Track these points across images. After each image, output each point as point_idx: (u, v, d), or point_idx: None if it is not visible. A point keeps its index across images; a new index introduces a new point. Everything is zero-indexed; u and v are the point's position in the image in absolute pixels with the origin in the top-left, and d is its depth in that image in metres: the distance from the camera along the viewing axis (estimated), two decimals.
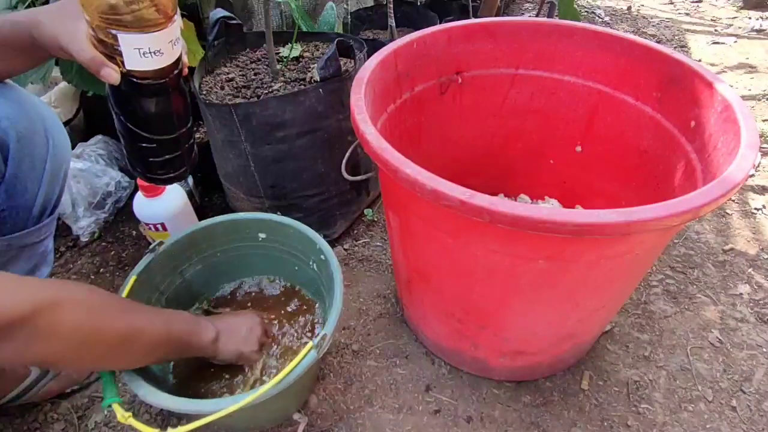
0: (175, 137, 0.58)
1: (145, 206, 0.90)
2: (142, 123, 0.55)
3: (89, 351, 0.50)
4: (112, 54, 0.48)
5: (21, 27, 0.50)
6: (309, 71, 0.95)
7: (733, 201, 1.18)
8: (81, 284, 0.56)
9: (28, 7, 0.99)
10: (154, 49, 0.48)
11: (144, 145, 0.57)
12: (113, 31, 0.46)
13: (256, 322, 0.72)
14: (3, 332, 0.42)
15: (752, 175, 1.26)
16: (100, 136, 1.15)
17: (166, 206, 0.89)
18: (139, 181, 0.87)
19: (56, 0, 0.53)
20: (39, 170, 0.61)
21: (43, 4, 1.01)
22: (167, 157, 0.59)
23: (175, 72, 0.53)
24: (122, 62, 0.48)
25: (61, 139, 0.64)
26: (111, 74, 0.49)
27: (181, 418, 0.75)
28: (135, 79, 0.50)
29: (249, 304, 0.84)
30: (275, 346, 0.77)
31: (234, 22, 1.01)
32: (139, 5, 0.44)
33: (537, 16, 1.48)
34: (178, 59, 0.53)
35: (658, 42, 1.95)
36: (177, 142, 0.58)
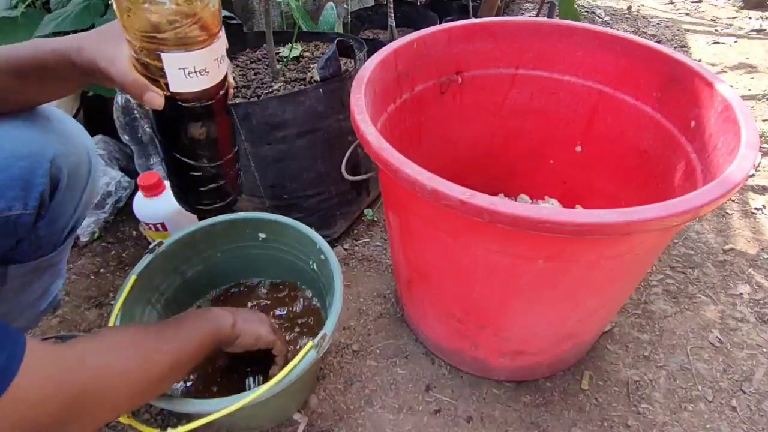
0: (223, 163, 0.55)
1: (145, 206, 0.90)
2: (188, 150, 0.52)
3: (146, 396, 0.53)
4: (156, 77, 0.46)
5: (61, 53, 0.49)
6: (309, 71, 0.95)
7: (733, 201, 1.18)
8: (108, 341, 0.50)
9: (28, 7, 0.99)
10: (199, 68, 0.46)
11: (191, 173, 0.54)
12: (157, 52, 0.44)
13: (262, 315, 0.71)
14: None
15: (752, 175, 1.26)
16: (100, 136, 1.15)
17: (166, 206, 0.89)
18: (140, 181, 0.87)
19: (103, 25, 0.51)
20: (77, 198, 0.61)
21: (44, 4, 1.01)
22: (215, 185, 0.56)
23: (222, 92, 0.51)
24: (166, 85, 0.46)
25: (99, 168, 0.65)
26: (155, 98, 0.47)
27: (181, 418, 0.75)
28: (180, 103, 0.48)
29: (249, 304, 0.84)
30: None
31: (234, 22, 1.01)
32: (182, 22, 0.43)
33: (537, 16, 1.48)
34: (224, 79, 0.51)
35: (658, 42, 1.95)
36: (224, 169, 0.56)
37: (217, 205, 0.58)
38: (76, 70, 0.49)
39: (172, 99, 0.48)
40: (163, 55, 0.44)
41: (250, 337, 0.64)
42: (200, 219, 0.60)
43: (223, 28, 0.48)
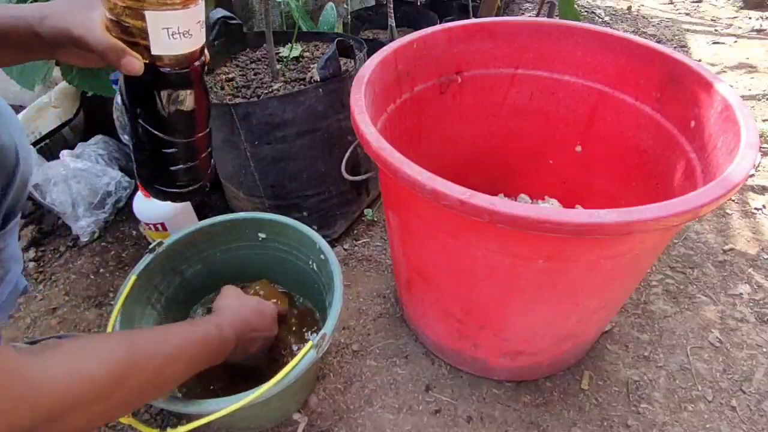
0: (196, 140, 0.53)
1: (145, 206, 0.90)
2: (163, 122, 0.50)
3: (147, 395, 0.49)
4: (136, 40, 0.45)
5: (23, 21, 0.46)
6: (309, 71, 0.95)
7: (733, 201, 1.18)
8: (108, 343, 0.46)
9: None
10: (184, 29, 0.45)
11: (163, 150, 0.51)
12: (141, 10, 0.42)
13: (264, 304, 0.69)
14: None
15: (752, 175, 1.26)
16: (100, 136, 1.15)
17: (166, 206, 0.89)
18: None
19: None
20: (3, 181, 0.56)
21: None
22: (188, 165, 0.53)
23: (200, 61, 0.50)
24: (146, 49, 0.45)
25: (28, 150, 0.60)
26: (133, 62, 0.44)
27: (181, 418, 0.75)
28: (159, 68, 0.46)
29: None
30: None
31: (234, 22, 1.01)
32: None
33: (537, 16, 1.48)
34: (203, 47, 0.49)
35: (658, 42, 1.95)
36: (198, 146, 0.53)
37: (189, 188, 0.55)
38: (40, 40, 0.46)
39: (150, 65, 0.46)
40: (147, 14, 0.43)
41: (255, 347, 0.63)
42: (173, 200, 0.56)
43: None
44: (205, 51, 0.51)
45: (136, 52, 0.45)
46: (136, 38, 0.45)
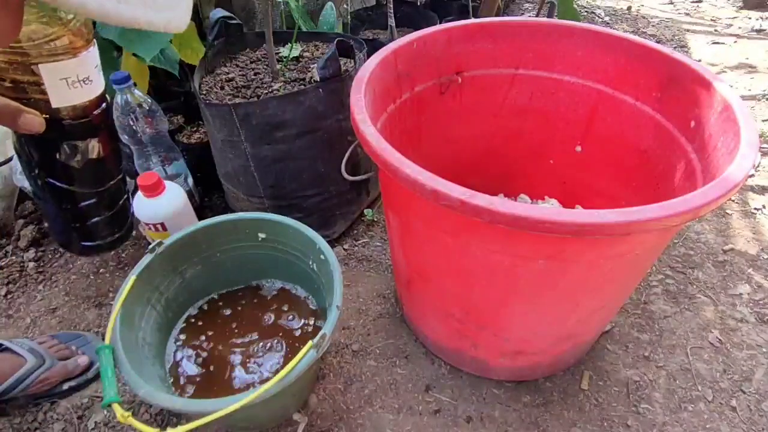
0: (113, 186, 0.50)
1: (145, 206, 0.90)
2: (74, 176, 0.46)
3: None
4: (30, 96, 0.41)
5: None
6: (309, 71, 0.95)
7: (733, 201, 1.18)
8: None
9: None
10: (84, 75, 0.42)
11: (80, 205, 0.47)
12: (31, 65, 0.38)
13: None
14: None
15: (752, 175, 1.26)
16: None
17: (166, 206, 0.89)
18: (140, 181, 0.87)
19: None
20: None
21: None
22: (104, 215, 0.49)
23: (104, 105, 0.46)
24: (45, 102, 0.41)
25: None
26: (32, 120, 0.39)
27: (181, 418, 0.75)
28: (62, 121, 0.42)
29: (245, 302, 0.84)
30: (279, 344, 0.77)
31: (234, 22, 1.01)
32: (56, 30, 0.38)
33: (537, 16, 1.48)
34: (104, 92, 0.46)
35: (658, 42, 1.95)
36: (115, 194, 0.50)
37: (108, 240, 0.51)
38: None
39: (52, 119, 0.42)
40: (41, 67, 0.39)
41: None
42: (87, 255, 0.52)
43: (94, 40, 0.43)
44: (106, 95, 0.47)
45: (33, 108, 0.41)
46: (30, 94, 0.41)
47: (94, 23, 0.44)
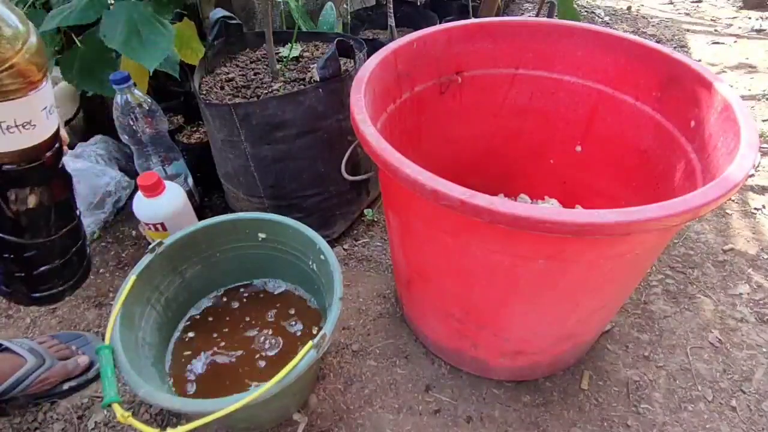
0: (60, 237, 0.46)
1: (144, 206, 0.90)
2: (14, 226, 0.42)
3: None
4: None
5: None
6: (309, 71, 0.95)
7: (733, 201, 1.18)
8: None
9: (30, 8, 0.98)
10: (23, 120, 0.37)
11: (22, 255, 0.44)
12: None
13: None
14: None
15: (752, 175, 1.26)
16: (99, 136, 1.15)
17: (166, 206, 0.89)
18: (139, 181, 0.87)
19: None
20: None
21: (44, 5, 1.01)
22: (52, 266, 0.46)
23: (53, 149, 0.42)
24: None
25: None
26: None
27: (181, 418, 0.75)
28: (1, 167, 0.39)
29: (246, 302, 0.84)
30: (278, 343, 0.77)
31: (234, 22, 1.01)
32: None
33: (537, 16, 1.48)
34: (56, 133, 0.41)
35: (658, 42, 1.95)
36: (67, 242, 0.47)
37: (57, 290, 0.48)
38: None
39: None
40: None
41: None
42: (39, 305, 0.48)
43: (49, 76, 0.39)
44: (62, 133, 0.44)
45: None
46: None
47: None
